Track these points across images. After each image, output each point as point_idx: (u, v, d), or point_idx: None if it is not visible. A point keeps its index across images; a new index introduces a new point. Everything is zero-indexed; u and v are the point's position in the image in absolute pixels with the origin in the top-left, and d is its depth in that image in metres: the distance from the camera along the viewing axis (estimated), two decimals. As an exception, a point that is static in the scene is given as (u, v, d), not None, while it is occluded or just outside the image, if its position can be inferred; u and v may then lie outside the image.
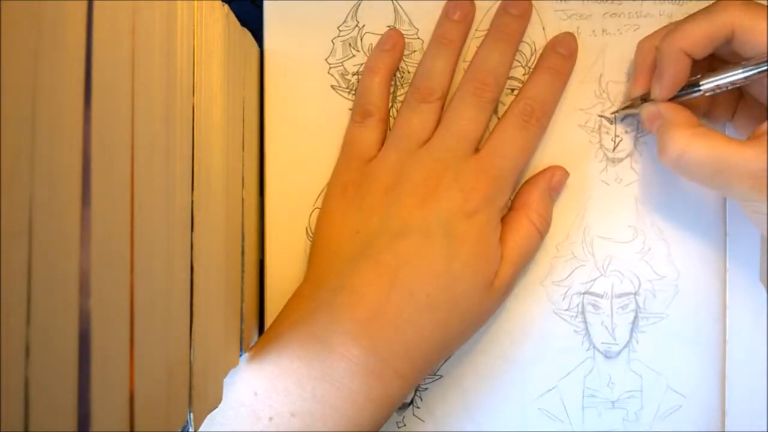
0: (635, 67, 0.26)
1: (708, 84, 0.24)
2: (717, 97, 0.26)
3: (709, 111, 0.26)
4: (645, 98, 0.26)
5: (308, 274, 0.26)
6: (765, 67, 0.23)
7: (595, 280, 0.28)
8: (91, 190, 0.13)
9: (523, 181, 0.28)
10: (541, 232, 0.26)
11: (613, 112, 0.28)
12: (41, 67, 0.11)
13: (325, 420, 0.22)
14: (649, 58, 0.26)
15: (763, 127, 0.22)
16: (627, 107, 0.27)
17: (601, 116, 0.28)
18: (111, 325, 0.13)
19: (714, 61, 0.25)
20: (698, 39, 0.23)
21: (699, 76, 0.24)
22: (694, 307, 0.27)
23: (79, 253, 0.12)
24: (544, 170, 0.27)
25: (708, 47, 0.23)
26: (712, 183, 0.23)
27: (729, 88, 0.24)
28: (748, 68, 0.23)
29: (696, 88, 0.24)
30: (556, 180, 0.27)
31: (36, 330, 0.11)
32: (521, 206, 0.26)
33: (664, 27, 0.26)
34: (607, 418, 0.27)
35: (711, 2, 0.24)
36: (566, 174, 0.27)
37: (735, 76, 0.23)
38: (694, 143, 0.22)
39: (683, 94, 0.24)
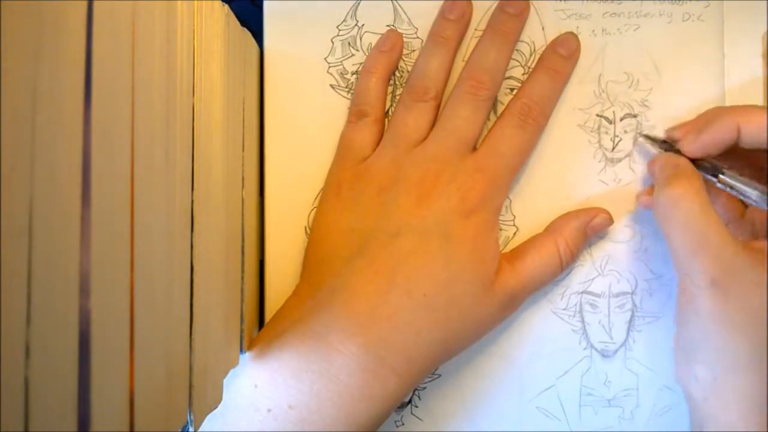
0: (698, 118, 0.26)
1: (725, 178, 0.24)
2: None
3: None
4: (671, 145, 0.26)
5: (305, 274, 0.27)
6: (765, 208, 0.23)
7: (592, 279, 0.28)
8: (91, 190, 0.13)
9: (520, 181, 0.28)
10: (563, 263, 0.26)
11: (643, 134, 0.27)
12: (41, 67, 0.11)
13: (321, 414, 0.22)
14: (716, 124, 0.25)
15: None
16: (656, 140, 0.27)
17: (600, 116, 0.28)
18: (111, 325, 0.13)
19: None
20: (757, 128, 0.23)
21: (726, 166, 0.24)
22: (691, 306, 0.28)
23: (79, 253, 0.12)
24: (589, 208, 0.27)
25: (757, 142, 0.23)
26: (679, 242, 0.23)
27: (738, 197, 0.24)
28: (760, 199, 0.23)
29: (714, 175, 0.24)
30: (597, 221, 0.26)
31: (36, 330, 0.11)
32: (554, 231, 0.26)
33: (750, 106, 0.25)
34: (604, 416, 0.27)
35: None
36: (610, 220, 0.27)
37: (748, 194, 0.23)
38: (696, 200, 0.23)
39: (702, 170, 0.25)
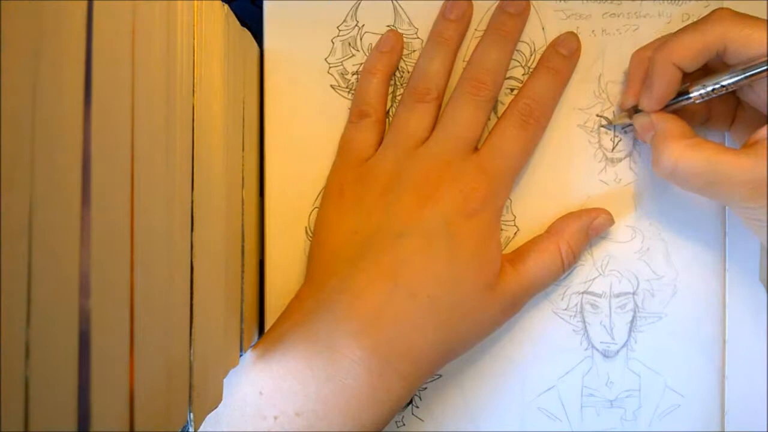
0: (629, 77, 0.26)
1: (697, 91, 0.24)
2: (714, 106, 0.26)
3: (707, 120, 0.26)
4: (638, 109, 0.26)
5: (308, 276, 0.26)
6: (752, 72, 0.23)
7: (593, 279, 0.28)
8: (91, 190, 0.13)
9: (521, 181, 0.28)
10: (564, 264, 0.26)
11: (607, 123, 0.28)
12: (41, 67, 0.11)
13: (328, 419, 0.22)
14: (643, 69, 0.25)
15: (759, 134, 0.22)
16: (621, 118, 0.27)
17: (600, 116, 0.28)
18: (111, 325, 0.13)
19: (706, 73, 0.25)
20: (690, 52, 0.23)
21: (688, 84, 0.24)
22: (692, 306, 0.28)
23: (79, 253, 0.12)
24: (590, 209, 0.27)
25: (700, 60, 0.23)
26: (707, 193, 0.23)
27: (719, 93, 0.24)
28: (735, 73, 0.23)
29: (686, 96, 0.24)
30: (599, 221, 0.26)
31: (36, 330, 0.11)
32: (555, 232, 0.26)
33: (658, 39, 0.26)
34: (606, 417, 0.27)
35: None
36: (611, 220, 0.27)
37: (723, 81, 0.23)
38: (687, 154, 0.23)
39: (673, 102, 0.25)
